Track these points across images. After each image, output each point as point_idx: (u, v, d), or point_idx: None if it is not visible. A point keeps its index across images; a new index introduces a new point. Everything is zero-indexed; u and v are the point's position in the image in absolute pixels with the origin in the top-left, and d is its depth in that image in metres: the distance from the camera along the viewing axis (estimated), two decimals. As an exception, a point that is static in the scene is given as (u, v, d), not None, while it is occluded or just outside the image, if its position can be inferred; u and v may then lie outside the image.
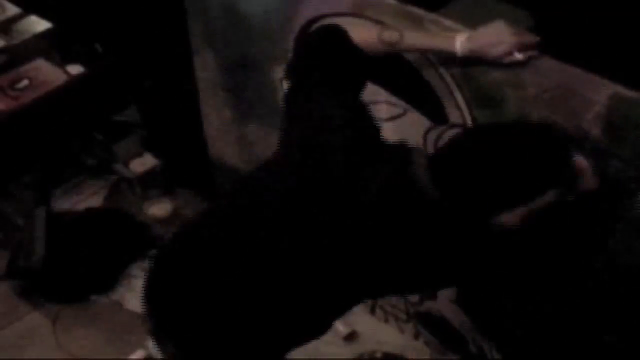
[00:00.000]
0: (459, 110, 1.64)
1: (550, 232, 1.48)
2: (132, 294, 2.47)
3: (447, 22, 1.54)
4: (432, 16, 1.57)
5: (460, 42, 1.45)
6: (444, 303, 2.15)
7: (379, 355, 2.29)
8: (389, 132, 1.84)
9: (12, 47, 2.68)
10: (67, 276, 2.45)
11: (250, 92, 2.12)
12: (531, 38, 1.45)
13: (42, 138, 2.66)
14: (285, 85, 2.00)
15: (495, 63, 1.47)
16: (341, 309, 1.49)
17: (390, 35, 1.46)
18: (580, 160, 1.26)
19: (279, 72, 1.98)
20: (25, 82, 2.60)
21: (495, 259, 1.37)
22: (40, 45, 2.72)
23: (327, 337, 1.52)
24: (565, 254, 1.68)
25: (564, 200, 1.28)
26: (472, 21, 1.53)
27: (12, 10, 2.78)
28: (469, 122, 1.64)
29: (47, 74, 2.65)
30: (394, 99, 1.77)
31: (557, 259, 1.69)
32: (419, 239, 1.30)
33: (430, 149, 1.78)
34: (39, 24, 2.74)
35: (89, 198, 2.82)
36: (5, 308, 2.44)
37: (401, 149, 1.36)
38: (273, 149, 2.21)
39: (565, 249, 1.67)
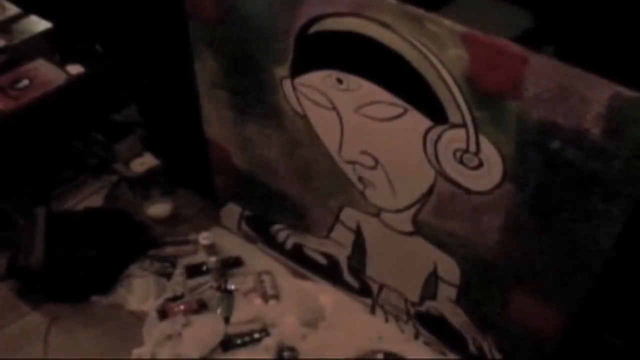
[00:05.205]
0: (459, 110, 1.64)
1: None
2: (131, 295, 2.47)
3: (447, 22, 1.54)
4: (432, 16, 1.57)
5: None
6: (444, 303, 2.15)
7: (379, 355, 2.29)
8: (389, 132, 1.85)
9: (12, 47, 2.68)
10: (67, 276, 2.45)
11: (250, 92, 2.12)
12: None
13: (42, 138, 2.66)
14: (286, 85, 2.00)
15: None
16: None
17: None
18: None
19: (279, 72, 1.98)
20: (25, 82, 2.61)
21: None
22: (40, 45, 2.72)
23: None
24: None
25: None
26: (472, 21, 1.53)
27: (12, 10, 2.78)
28: (469, 122, 1.64)
29: (47, 74, 2.65)
30: (394, 99, 1.77)
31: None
32: None
33: (431, 149, 1.78)
34: (39, 24, 2.74)
35: (89, 198, 2.82)
36: (5, 308, 2.44)
37: None
38: (273, 149, 2.23)
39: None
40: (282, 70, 1.97)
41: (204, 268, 2.54)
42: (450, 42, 1.55)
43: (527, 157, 1.61)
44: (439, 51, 1.59)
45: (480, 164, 1.71)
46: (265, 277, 2.52)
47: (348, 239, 2.28)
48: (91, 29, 2.70)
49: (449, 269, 2.03)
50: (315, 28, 1.79)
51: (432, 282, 2.13)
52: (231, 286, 2.48)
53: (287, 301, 2.46)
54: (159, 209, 2.78)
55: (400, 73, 1.69)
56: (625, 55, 1.55)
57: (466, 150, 1.71)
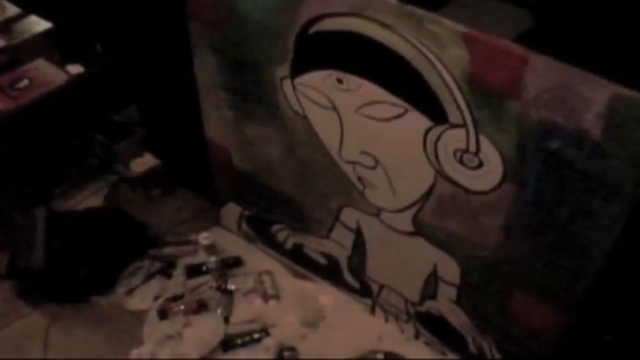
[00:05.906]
0: (459, 110, 1.64)
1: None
2: (131, 295, 2.47)
3: (447, 22, 1.54)
4: (432, 16, 1.57)
5: None
6: (444, 303, 2.15)
7: (379, 355, 2.29)
8: (389, 132, 1.85)
9: (12, 47, 2.68)
10: (67, 276, 2.45)
11: (250, 92, 2.12)
12: None
13: (42, 138, 2.66)
14: (286, 85, 2.00)
15: None
16: None
17: None
18: None
19: (279, 72, 1.98)
20: (25, 82, 2.60)
21: None
22: (40, 45, 2.72)
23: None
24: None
25: None
26: (472, 21, 1.53)
27: (12, 10, 2.78)
28: (469, 122, 1.64)
29: (47, 74, 2.65)
30: (394, 99, 1.77)
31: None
32: None
33: (431, 149, 1.78)
34: (39, 24, 2.74)
35: (89, 198, 2.82)
36: (5, 308, 2.44)
37: None
38: (273, 149, 2.23)
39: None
40: (282, 70, 1.97)
41: (204, 268, 2.54)
42: (450, 42, 1.55)
43: (527, 157, 1.61)
44: (439, 51, 1.59)
45: (480, 164, 1.71)
46: (265, 277, 2.52)
47: (348, 239, 2.28)
48: (91, 29, 2.70)
49: (449, 269, 2.03)
50: (315, 28, 1.79)
51: (432, 282, 2.13)
52: (231, 286, 2.48)
53: (287, 301, 2.46)
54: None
55: (400, 73, 1.69)
56: (625, 55, 1.55)
57: (466, 150, 1.71)
